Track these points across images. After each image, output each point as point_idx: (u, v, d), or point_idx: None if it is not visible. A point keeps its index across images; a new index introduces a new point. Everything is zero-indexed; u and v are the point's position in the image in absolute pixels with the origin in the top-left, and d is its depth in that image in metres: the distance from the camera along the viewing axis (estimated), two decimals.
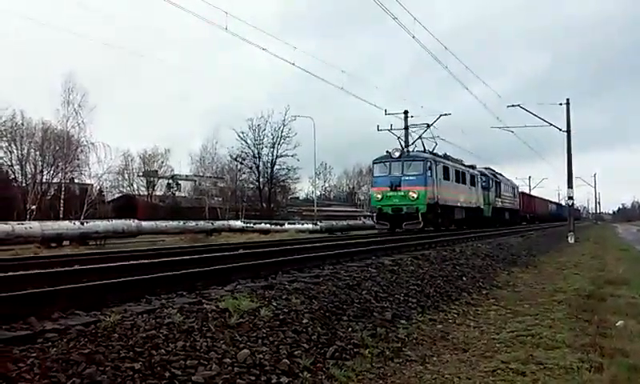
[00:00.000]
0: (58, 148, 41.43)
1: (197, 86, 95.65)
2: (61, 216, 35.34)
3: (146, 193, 57.87)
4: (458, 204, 27.98)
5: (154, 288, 6.36)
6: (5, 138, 41.23)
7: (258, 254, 11.11)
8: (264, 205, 54.54)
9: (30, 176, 41.90)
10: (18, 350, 3.95)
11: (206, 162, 55.84)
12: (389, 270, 9.82)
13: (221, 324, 5.25)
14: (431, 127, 29.91)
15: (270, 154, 54.43)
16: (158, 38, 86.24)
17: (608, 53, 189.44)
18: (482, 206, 32.68)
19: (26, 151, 42.07)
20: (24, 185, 41.52)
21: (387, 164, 24.47)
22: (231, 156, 55.16)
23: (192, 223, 32.29)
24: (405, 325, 7.33)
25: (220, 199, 55.93)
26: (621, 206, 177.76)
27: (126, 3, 79.72)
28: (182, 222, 31.77)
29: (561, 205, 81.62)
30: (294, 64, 22.05)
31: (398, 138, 29.72)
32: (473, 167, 33.13)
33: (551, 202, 77.81)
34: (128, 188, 56.05)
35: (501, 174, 41.22)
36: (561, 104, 32.16)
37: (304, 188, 70.75)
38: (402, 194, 23.52)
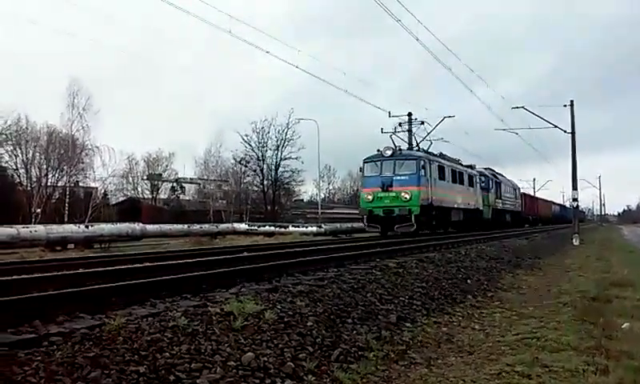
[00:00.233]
0: (62, 151, 41.63)
1: (202, 89, 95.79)
2: (65, 219, 35.45)
3: (150, 196, 58.13)
4: (455, 205, 26.89)
5: (159, 291, 6.36)
6: (10, 142, 41.46)
7: (262, 256, 11.12)
8: (268, 207, 54.58)
9: (34, 179, 42.08)
10: (23, 354, 3.96)
11: (210, 165, 55.96)
12: (393, 273, 9.81)
13: (225, 327, 5.25)
14: (426, 125, 29.27)
15: (274, 157, 54.52)
16: (162, 41, 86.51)
17: (612, 54, 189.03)
18: (481, 208, 31.73)
19: (30, 155, 42.30)
20: (29, 188, 41.71)
21: (378, 163, 23.26)
22: (235, 159, 55.28)
23: (196, 226, 32.30)
24: (409, 327, 7.32)
25: (224, 202, 56.02)
26: (626, 208, 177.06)
27: (128, 6, 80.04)
28: (186, 225, 31.80)
29: (565, 206, 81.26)
30: (297, 67, 22.15)
31: (391, 135, 27.91)
32: (472, 167, 32.19)
33: (555, 203, 77.29)
34: (132, 191, 56.35)
35: (501, 175, 40.44)
36: (565, 106, 32.07)
37: (308, 190, 70.84)
38: (394, 194, 22.32)
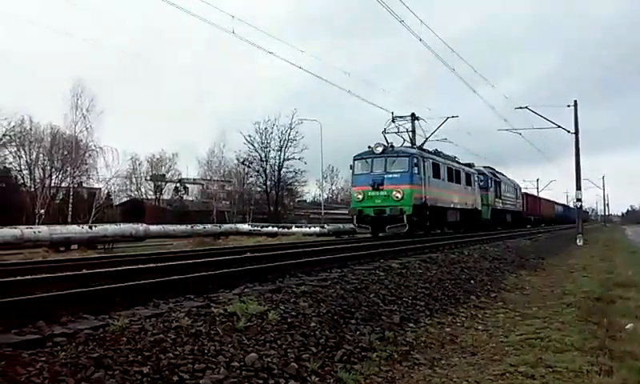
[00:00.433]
0: (66, 152, 41.76)
1: (205, 89, 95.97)
2: (69, 220, 35.53)
3: (153, 197, 58.22)
4: (451, 205, 25.84)
5: (162, 292, 6.37)
6: (14, 143, 41.64)
7: (265, 257, 11.14)
8: (271, 208, 54.62)
9: (38, 180, 42.26)
10: (27, 354, 3.97)
11: (214, 165, 56.05)
12: (396, 273, 9.80)
13: (229, 328, 5.25)
14: (421, 121, 28.05)
15: (277, 158, 54.57)
16: (163, 41, 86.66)
17: (616, 53, 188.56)
18: (479, 208, 30.70)
19: (34, 156, 42.51)
20: (33, 189, 41.85)
21: (369, 160, 22.25)
22: (238, 159, 55.38)
23: (199, 227, 32.36)
24: (413, 328, 7.31)
25: (227, 202, 56.15)
26: (630, 208, 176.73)
27: (129, 6, 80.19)
28: (189, 226, 31.87)
29: (568, 207, 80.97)
30: (300, 67, 22.14)
31: (383, 131, 25.99)
32: (470, 165, 31.29)
33: (557, 203, 76.78)
34: (136, 192, 56.48)
35: (501, 173, 39.62)
36: (569, 106, 32.00)
37: (311, 191, 70.96)
38: (385, 193, 21.32)
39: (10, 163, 42.76)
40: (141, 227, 25.61)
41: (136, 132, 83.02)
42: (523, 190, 52.07)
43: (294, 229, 34.92)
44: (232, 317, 5.47)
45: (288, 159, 54.33)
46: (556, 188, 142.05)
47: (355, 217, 22.20)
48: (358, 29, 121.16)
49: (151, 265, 9.36)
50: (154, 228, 27.90)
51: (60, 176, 42.49)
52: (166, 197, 60.13)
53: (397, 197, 21.07)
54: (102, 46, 72.14)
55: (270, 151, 54.39)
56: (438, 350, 6.57)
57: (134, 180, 56.06)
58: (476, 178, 30.81)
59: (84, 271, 8.30)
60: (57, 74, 73.18)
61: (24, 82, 64.08)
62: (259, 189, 57.21)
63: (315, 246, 15.42)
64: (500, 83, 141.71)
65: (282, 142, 53.90)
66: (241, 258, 10.67)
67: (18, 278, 7.35)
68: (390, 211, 21.08)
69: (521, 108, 32.42)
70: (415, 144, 25.83)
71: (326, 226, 34.56)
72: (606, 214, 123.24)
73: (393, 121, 25.77)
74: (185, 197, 61.36)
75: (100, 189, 45.73)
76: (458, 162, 28.86)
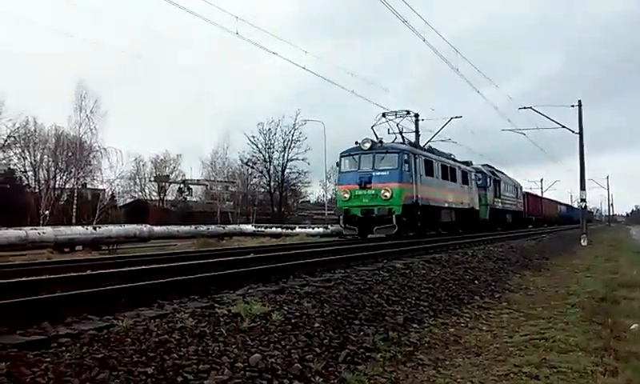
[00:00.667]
0: (70, 154, 41.96)
1: (208, 90, 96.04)
2: (73, 221, 35.67)
3: (157, 198, 58.36)
4: (446, 205, 24.49)
5: (166, 293, 6.38)
6: (18, 144, 41.82)
7: (269, 258, 11.14)
8: (275, 209, 54.71)
9: (43, 182, 42.45)
10: (32, 355, 3.98)
11: (217, 166, 56.24)
12: (400, 274, 9.80)
13: (233, 328, 5.26)
14: (412, 119, 26.89)
15: (281, 158, 54.69)
16: (166, 42, 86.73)
17: (621, 52, 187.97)
18: (476, 207, 29.31)
19: (39, 157, 42.73)
20: (37, 190, 42.06)
21: (356, 157, 20.92)
22: (242, 160, 55.53)
23: (203, 227, 32.44)
24: (417, 328, 7.30)
25: (231, 203, 56.29)
26: (634, 208, 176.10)
27: (129, 6, 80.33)
28: (193, 227, 31.94)
29: (571, 206, 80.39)
30: (304, 68, 22.08)
31: (373, 126, 23.96)
32: (467, 163, 30.07)
33: (561, 203, 76.05)
34: (140, 193, 56.69)
35: (501, 172, 38.46)
36: (573, 106, 31.92)
37: (315, 192, 70.92)
38: (373, 192, 20.00)
39: (15, 164, 43.06)
40: (145, 228, 25.68)
41: (139, 133, 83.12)
42: (526, 190, 51.56)
43: (297, 229, 34.96)
44: (236, 317, 5.48)
45: (291, 160, 54.52)
46: (560, 188, 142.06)
47: (341, 217, 21.10)
48: (359, 29, 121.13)
49: (155, 266, 9.37)
50: (158, 229, 27.99)
51: (64, 177, 42.73)
52: (169, 198, 60.34)
53: (385, 196, 19.86)
54: (103, 46, 72.24)
55: (273, 152, 54.60)
56: (441, 350, 6.56)
57: (137, 181, 56.31)
58: (473, 177, 29.62)
59: (88, 272, 8.32)
60: (57, 74, 73.24)
61: (24, 83, 64.26)
62: (263, 189, 57.35)
63: (318, 247, 15.43)
64: (506, 83, 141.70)
65: (285, 143, 54.05)
66: (245, 259, 10.68)
67: (23, 278, 7.37)
68: (378, 211, 19.93)
69: (525, 108, 32.37)
70: (402, 138, 24.37)
71: (329, 226, 34.55)
72: (611, 214, 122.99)
73: (383, 116, 24.05)
74: (189, 198, 61.57)
75: (104, 190, 45.88)
76: (454, 160, 27.74)
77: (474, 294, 10.48)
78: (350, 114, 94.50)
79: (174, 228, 31.12)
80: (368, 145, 20.80)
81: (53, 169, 42.38)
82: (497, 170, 37.03)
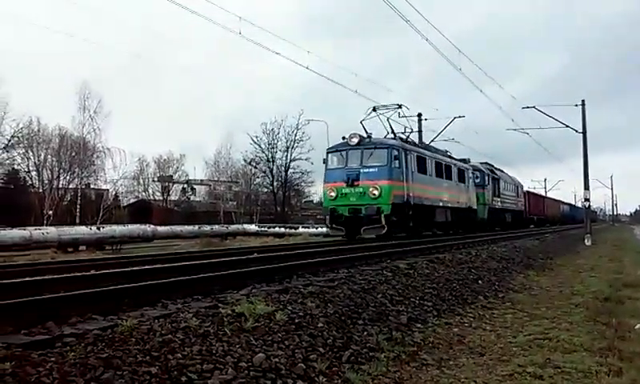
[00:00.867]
0: (74, 154, 42.04)
1: (211, 90, 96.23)
2: (77, 221, 35.75)
3: (161, 198, 58.48)
4: (441, 204, 23.22)
5: (170, 292, 6.38)
6: (22, 145, 41.91)
7: (272, 257, 11.13)
8: (278, 209, 54.76)
9: (46, 182, 42.56)
10: (37, 355, 3.99)
11: (221, 166, 56.30)
12: (404, 274, 9.79)
13: (236, 328, 5.26)
14: (405, 117, 24.85)
15: (284, 158, 54.72)
16: (169, 42, 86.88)
17: (621, 52, 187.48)
18: (474, 207, 28.00)
19: (42, 157, 42.80)
20: (41, 190, 42.16)
21: (343, 153, 19.73)
22: (245, 160, 55.60)
23: (207, 227, 32.53)
24: (421, 328, 7.30)
25: (234, 203, 56.34)
26: (638, 208, 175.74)
27: (131, 6, 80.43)
28: (197, 227, 32.03)
29: (575, 206, 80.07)
30: (307, 68, 22.03)
31: (362, 121, 22.18)
32: (465, 161, 28.75)
33: (563, 202, 75.24)
34: (143, 193, 56.78)
35: (501, 170, 37.46)
36: (576, 105, 31.83)
37: (318, 191, 70.81)
38: (361, 190, 18.81)
39: (19, 165, 43.18)
40: (149, 228, 25.76)
41: (141, 133, 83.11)
42: (528, 189, 51.04)
43: (300, 229, 35.02)
44: (240, 317, 5.48)
45: (294, 160, 54.52)
46: (564, 187, 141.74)
47: (328, 217, 19.73)
48: (359, 29, 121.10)
49: (159, 265, 9.38)
50: (161, 229, 28.06)
51: (68, 177, 42.77)
52: (173, 198, 60.46)
53: (374, 194, 18.67)
54: (103, 46, 72.40)
55: (276, 152, 54.63)
56: (445, 350, 6.56)
57: (141, 181, 56.42)
58: (470, 175, 28.36)
59: (92, 272, 8.34)
60: (57, 74, 73.41)
61: (25, 83, 64.49)
62: (266, 189, 57.39)
63: (322, 247, 15.42)
64: (509, 83, 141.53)
65: (288, 143, 54.07)
66: (248, 259, 10.68)
67: (27, 278, 7.38)
68: (366, 211, 18.71)
69: (528, 107, 32.27)
70: (393, 134, 22.59)
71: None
72: (615, 213, 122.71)
73: (374, 110, 22.43)
74: (192, 198, 61.73)
75: (108, 190, 46.07)
76: (450, 157, 26.58)
77: (477, 293, 10.48)
78: (353, 113, 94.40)
79: (177, 228, 31.19)
80: (355, 140, 19.61)
81: (56, 169, 42.45)
82: (496, 168, 36.19)
